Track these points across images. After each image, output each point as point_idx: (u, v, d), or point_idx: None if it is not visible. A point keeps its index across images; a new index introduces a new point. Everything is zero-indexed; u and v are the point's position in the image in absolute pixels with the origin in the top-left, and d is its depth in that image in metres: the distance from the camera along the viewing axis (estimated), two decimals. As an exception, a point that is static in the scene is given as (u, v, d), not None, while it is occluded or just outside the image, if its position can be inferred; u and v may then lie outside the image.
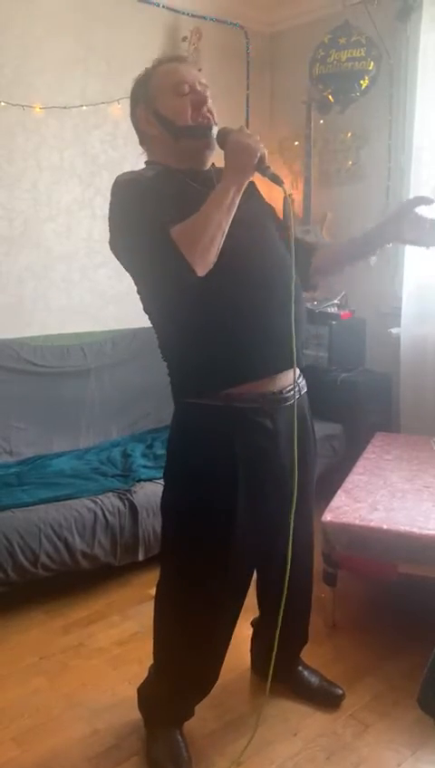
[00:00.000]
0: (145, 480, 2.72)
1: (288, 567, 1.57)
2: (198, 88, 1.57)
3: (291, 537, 1.55)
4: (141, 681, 1.83)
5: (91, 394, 3.27)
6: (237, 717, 1.90)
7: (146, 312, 1.66)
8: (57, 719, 1.90)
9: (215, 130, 1.55)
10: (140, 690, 1.83)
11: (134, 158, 3.43)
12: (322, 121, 3.70)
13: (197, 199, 1.47)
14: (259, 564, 1.80)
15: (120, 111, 3.37)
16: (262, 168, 1.47)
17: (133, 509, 2.56)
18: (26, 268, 3.20)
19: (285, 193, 1.50)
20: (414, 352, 3.39)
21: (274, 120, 4.01)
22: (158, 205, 1.46)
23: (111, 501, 2.55)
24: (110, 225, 1.55)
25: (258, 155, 1.44)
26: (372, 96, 3.40)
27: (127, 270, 1.58)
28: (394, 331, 3.46)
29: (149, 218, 1.44)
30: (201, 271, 1.41)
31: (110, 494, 2.59)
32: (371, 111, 3.52)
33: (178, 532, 1.66)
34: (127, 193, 1.51)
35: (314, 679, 1.98)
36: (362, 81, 3.28)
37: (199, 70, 1.66)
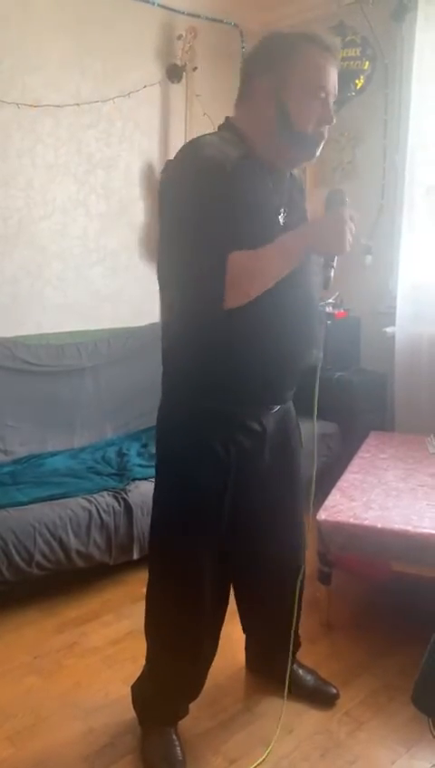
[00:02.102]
0: (140, 479, 2.71)
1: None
2: (331, 101, 1.45)
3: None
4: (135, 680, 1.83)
5: (87, 393, 3.27)
6: (232, 716, 1.90)
7: (162, 314, 1.62)
8: (51, 718, 1.90)
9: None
10: (133, 689, 1.82)
11: (129, 157, 3.46)
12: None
13: (269, 204, 1.45)
14: (244, 564, 1.79)
15: (116, 110, 3.37)
16: (330, 263, 1.44)
17: (128, 508, 2.56)
18: (21, 267, 3.20)
19: (325, 303, 1.50)
20: (409, 352, 3.40)
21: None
22: (232, 212, 1.35)
23: (105, 500, 2.55)
24: (163, 199, 1.45)
25: (345, 251, 1.40)
26: (367, 95, 3.40)
27: (161, 250, 1.48)
28: (389, 330, 3.47)
29: (220, 230, 1.33)
30: (230, 305, 1.36)
31: (105, 492, 2.59)
32: (366, 111, 3.53)
33: (166, 530, 1.66)
34: (206, 179, 1.34)
35: (308, 678, 1.98)
36: (357, 81, 3.29)
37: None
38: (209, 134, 1.46)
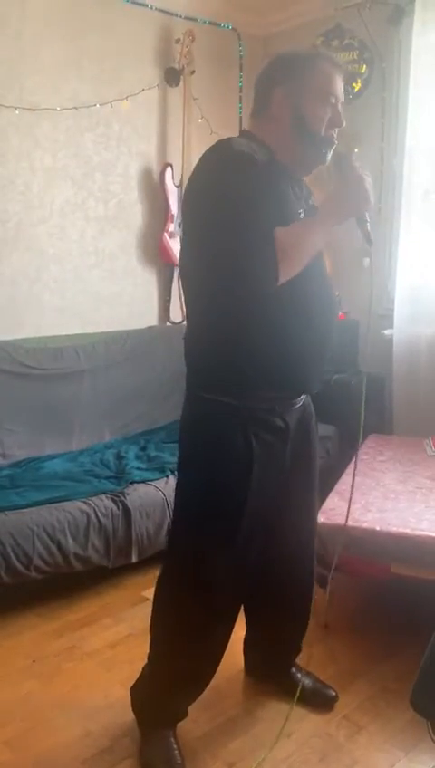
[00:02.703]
0: (138, 482, 2.71)
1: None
2: (340, 108, 1.58)
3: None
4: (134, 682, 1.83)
5: (85, 396, 3.27)
6: (230, 719, 1.90)
7: (187, 300, 1.65)
8: (50, 722, 1.90)
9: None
10: (133, 690, 1.82)
11: (127, 160, 3.47)
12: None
13: (292, 202, 1.51)
14: (260, 564, 1.78)
15: (113, 113, 3.38)
16: (361, 221, 1.52)
17: (126, 511, 2.56)
18: (19, 270, 3.20)
19: (370, 256, 1.55)
20: (407, 354, 3.41)
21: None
22: (268, 197, 1.43)
23: (104, 503, 2.55)
24: (195, 191, 1.50)
25: (368, 209, 1.48)
26: (365, 99, 3.42)
27: (190, 245, 1.54)
28: (387, 332, 3.47)
29: (258, 207, 1.40)
30: (283, 279, 1.41)
31: (103, 496, 2.58)
32: (363, 114, 3.53)
33: (190, 528, 1.66)
34: (240, 167, 1.42)
35: (307, 681, 1.98)
36: (354, 84, 3.30)
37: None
38: (236, 137, 1.58)
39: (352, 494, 1.89)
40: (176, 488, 1.72)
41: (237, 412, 1.56)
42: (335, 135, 1.59)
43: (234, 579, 1.66)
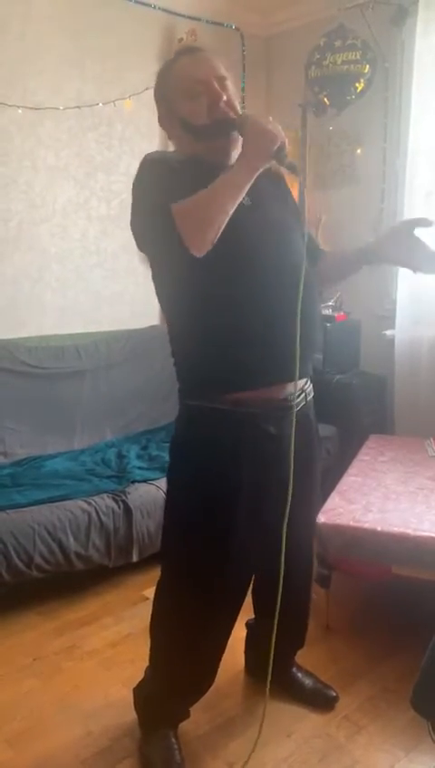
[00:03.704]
0: (139, 481, 2.71)
1: (281, 569, 1.56)
2: (214, 84, 1.51)
3: (284, 541, 1.54)
4: (135, 682, 1.83)
5: (86, 395, 3.27)
6: (231, 719, 1.90)
7: (160, 303, 1.64)
8: (50, 721, 1.90)
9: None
10: (135, 691, 1.82)
11: (130, 159, 3.46)
12: (317, 124, 3.71)
13: None
14: (259, 567, 1.79)
15: (116, 112, 3.38)
16: (280, 155, 1.42)
17: (128, 510, 2.56)
18: (21, 269, 3.20)
19: (301, 184, 1.49)
20: (409, 354, 3.40)
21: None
22: (175, 183, 1.43)
23: (105, 502, 2.55)
24: (132, 202, 1.55)
25: (278, 142, 1.40)
26: (368, 99, 3.41)
27: (140, 250, 1.56)
28: (389, 333, 3.47)
29: (161, 195, 1.42)
30: (196, 249, 1.39)
31: (104, 495, 2.59)
32: (366, 115, 3.53)
33: (180, 533, 1.66)
34: (149, 172, 1.49)
35: (307, 681, 1.98)
36: (357, 85, 3.29)
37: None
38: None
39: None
40: (166, 494, 1.71)
41: (227, 419, 1.55)
42: (231, 108, 1.52)
43: (229, 584, 1.66)
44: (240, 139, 1.49)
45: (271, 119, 1.44)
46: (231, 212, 1.40)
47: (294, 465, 1.63)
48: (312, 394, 1.74)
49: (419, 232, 1.55)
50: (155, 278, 1.60)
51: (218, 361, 1.53)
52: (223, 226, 1.40)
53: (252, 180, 1.42)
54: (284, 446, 1.60)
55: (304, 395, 1.67)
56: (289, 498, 1.54)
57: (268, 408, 1.57)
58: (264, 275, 1.51)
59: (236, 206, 1.41)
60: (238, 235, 1.45)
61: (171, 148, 1.68)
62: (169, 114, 1.57)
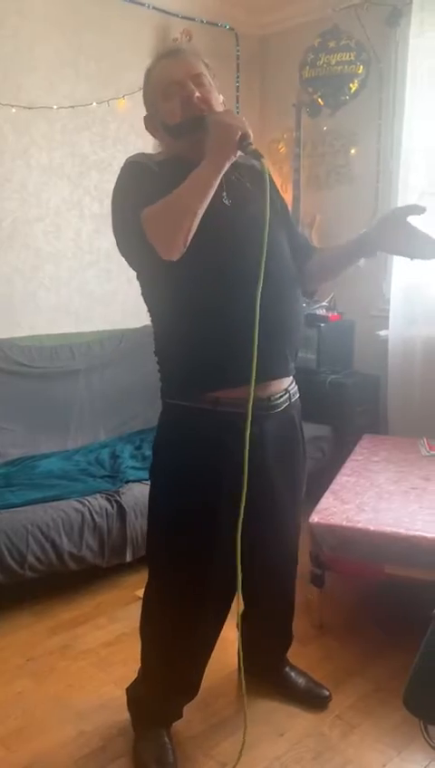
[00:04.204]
0: (133, 481, 2.71)
1: (239, 571, 1.54)
2: (187, 82, 1.53)
3: (238, 542, 1.53)
4: (128, 682, 1.84)
5: (80, 395, 3.27)
6: (224, 719, 1.90)
7: (145, 304, 1.65)
8: (43, 721, 1.90)
9: None
10: (128, 691, 1.83)
11: (124, 159, 3.44)
12: (312, 124, 3.71)
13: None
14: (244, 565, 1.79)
15: (110, 112, 3.37)
16: (243, 145, 1.41)
17: (121, 510, 2.56)
18: (15, 268, 3.19)
19: (263, 168, 1.45)
20: (402, 354, 3.41)
21: (263, 123, 4.02)
22: (151, 188, 1.44)
23: (98, 502, 2.55)
24: (111, 205, 1.56)
25: (239, 133, 1.40)
26: (362, 99, 3.42)
27: (120, 254, 1.56)
28: (382, 333, 3.48)
29: (135, 199, 1.44)
30: (166, 254, 1.40)
31: (98, 495, 2.58)
32: (360, 115, 3.54)
33: (163, 533, 1.66)
34: (125, 174, 1.53)
35: (300, 680, 1.99)
36: (351, 85, 3.30)
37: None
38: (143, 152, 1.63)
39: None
40: (149, 494, 1.71)
41: (208, 419, 1.55)
42: (206, 105, 1.52)
43: (214, 583, 1.65)
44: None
45: (236, 112, 1.45)
46: (200, 213, 1.40)
47: (276, 465, 1.64)
48: (297, 395, 1.72)
49: (412, 219, 1.54)
50: (138, 279, 1.61)
51: (198, 360, 1.54)
52: (194, 228, 1.40)
53: (219, 176, 1.41)
54: (265, 448, 1.61)
55: (287, 395, 1.65)
56: (242, 498, 1.52)
57: (247, 408, 1.55)
58: (241, 275, 1.50)
59: (207, 204, 1.41)
60: (217, 234, 1.46)
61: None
62: (152, 117, 1.61)
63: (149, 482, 1.73)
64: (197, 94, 1.53)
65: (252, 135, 1.43)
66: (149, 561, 1.75)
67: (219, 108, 1.55)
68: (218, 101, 1.57)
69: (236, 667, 2.07)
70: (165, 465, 1.65)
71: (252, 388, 1.46)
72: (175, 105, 1.53)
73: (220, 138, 1.41)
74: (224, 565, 1.63)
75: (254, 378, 1.46)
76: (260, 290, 1.43)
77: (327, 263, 1.77)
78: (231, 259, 1.51)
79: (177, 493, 1.61)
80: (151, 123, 1.63)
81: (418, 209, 1.53)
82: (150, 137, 1.68)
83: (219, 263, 1.49)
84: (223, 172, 1.42)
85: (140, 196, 1.44)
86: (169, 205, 1.40)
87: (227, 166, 1.42)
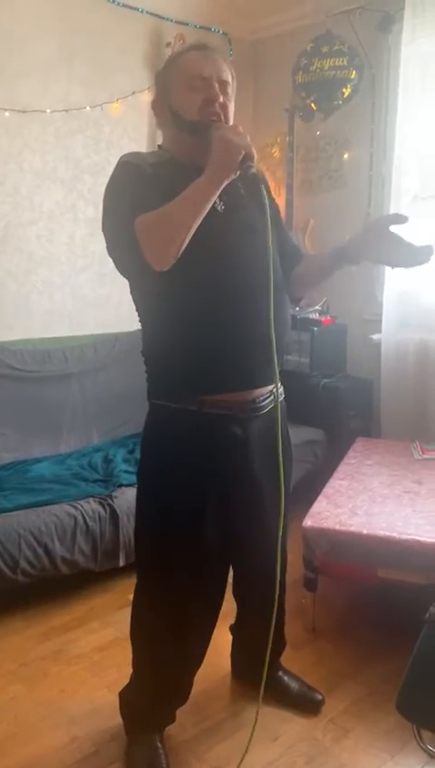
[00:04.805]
0: (126, 485, 2.71)
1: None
2: (214, 83, 1.52)
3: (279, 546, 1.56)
4: (121, 687, 1.83)
5: (73, 399, 3.26)
6: (217, 723, 1.89)
7: (135, 305, 1.64)
8: (36, 726, 1.89)
9: None
10: (121, 695, 1.82)
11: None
12: (305, 129, 3.72)
13: None
14: (232, 569, 1.79)
15: (104, 116, 3.38)
16: (244, 166, 1.41)
17: (114, 514, 2.55)
18: (8, 272, 3.18)
19: (263, 195, 1.46)
20: (395, 358, 3.42)
21: (256, 127, 4.03)
22: (145, 192, 1.44)
23: (91, 506, 2.54)
24: (102, 205, 1.55)
25: (242, 153, 1.39)
26: (355, 105, 3.43)
27: (109, 256, 1.56)
28: (375, 337, 3.49)
29: (128, 204, 1.43)
30: (157, 264, 1.40)
31: (90, 499, 2.58)
32: (353, 120, 3.55)
33: (149, 534, 1.66)
34: (119, 174, 1.50)
35: (293, 684, 1.98)
36: (344, 90, 3.31)
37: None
38: (135, 151, 1.62)
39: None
40: (136, 496, 1.71)
41: (193, 420, 1.55)
42: (217, 110, 1.52)
43: (203, 586, 1.66)
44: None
45: (240, 129, 1.44)
46: (195, 227, 1.40)
47: (262, 467, 1.63)
48: (282, 396, 1.72)
49: (395, 228, 1.55)
50: (128, 281, 1.61)
51: (187, 365, 1.54)
52: (187, 241, 1.40)
53: (217, 192, 1.41)
54: (250, 449, 1.61)
55: (272, 397, 1.65)
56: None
57: (235, 410, 1.57)
58: (233, 280, 1.51)
59: (202, 218, 1.40)
60: (210, 240, 1.45)
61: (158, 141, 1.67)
62: (163, 101, 1.59)
63: (136, 481, 1.72)
64: (221, 99, 1.53)
65: (256, 155, 1.42)
66: (137, 563, 1.75)
67: (231, 121, 1.56)
68: (232, 114, 1.58)
69: (230, 671, 2.08)
70: (150, 466, 1.65)
71: (277, 387, 1.52)
72: (195, 100, 1.52)
73: (222, 154, 1.40)
74: (211, 566, 1.63)
75: (277, 373, 1.52)
76: (272, 306, 1.45)
77: (312, 270, 1.77)
78: (223, 266, 1.51)
79: (162, 493, 1.61)
80: (160, 106, 1.60)
81: (401, 219, 1.54)
82: (144, 140, 1.69)
83: (210, 269, 1.49)
84: (221, 189, 1.41)
85: (134, 200, 1.43)
86: (163, 216, 1.39)
87: (226, 183, 1.42)
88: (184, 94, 1.53)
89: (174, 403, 1.57)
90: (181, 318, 1.51)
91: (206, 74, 1.53)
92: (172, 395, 1.58)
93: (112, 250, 1.52)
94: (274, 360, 1.50)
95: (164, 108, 1.58)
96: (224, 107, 1.53)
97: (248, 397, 1.58)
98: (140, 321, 1.64)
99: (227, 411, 1.56)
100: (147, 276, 1.45)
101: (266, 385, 1.60)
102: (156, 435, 1.64)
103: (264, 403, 1.62)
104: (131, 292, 1.62)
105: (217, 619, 1.74)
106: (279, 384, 1.69)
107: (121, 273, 1.56)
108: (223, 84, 1.55)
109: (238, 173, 1.42)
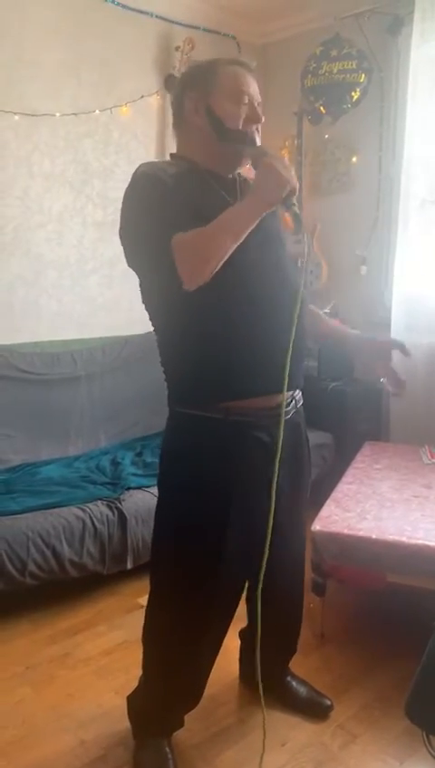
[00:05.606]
0: (134, 488, 2.71)
1: (261, 578, 1.55)
2: (256, 106, 1.57)
3: (267, 549, 1.54)
4: (129, 691, 1.82)
5: (81, 401, 3.26)
6: (226, 728, 1.89)
7: (147, 312, 1.64)
8: (43, 730, 1.88)
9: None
10: (129, 699, 1.81)
11: (126, 166, 3.47)
12: (313, 132, 3.72)
13: (217, 204, 1.47)
14: (250, 576, 1.79)
15: (113, 120, 3.39)
16: (288, 202, 1.43)
17: (122, 517, 2.55)
18: (17, 275, 3.20)
19: (303, 237, 1.52)
20: (403, 362, 3.40)
21: (265, 131, 3.96)
22: (173, 207, 1.43)
23: (99, 509, 2.54)
24: (122, 215, 1.53)
25: (288, 188, 1.41)
26: (363, 108, 3.43)
27: (129, 265, 1.56)
28: (384, 340, 3.47)
29: (156, 220, 1.42)
30: (189, 285, 1.40)
31: (98, 502, 2.58)
32: (361, 123, 3.55)
33: (170, 543, 1.65)
34: (145, 189, 1.48)
35: (302, 689, 1.97)
36: (353, 93, 3.31)
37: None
38: (151, 161, 1.62)
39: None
40: (157, 503, 1.70)
41: (219, 428, 1.55)
42: (256, 131, 1.58)
43: (220, 592, 1.65)
44: (248, 167, 1.54)
45: (287, 162, 1.46)
46: (231, 250, 1.40)
47: (284, 472, 1.63)
48: (301, 401, 1.74)
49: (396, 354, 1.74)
50: (143, 289, 1.60)
51: (211, 372, 1.53)
52: (221, 264, 1.40)
53: (257, 221, 1.42)
54: (274, 453, 1.60)
55: (293, 402, 1.67)
56: (272, 504, 1.54)
57: (260, 416, 1.57)
58: (261, 289, 1.52)
59: (240, 242, 1.41)
60: (238, 251, 1.44)
61: (172, 149, 1.67)
62: (199, 105, 1.56)
63: (154, 490, 1.72)
64: (262, 120, 1.57)
65: (298, 191, 1.45)
66: (153, 571, 1.73)
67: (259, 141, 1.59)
68: None
69: (238, 675, 2.07)
70: (173, 475, 1.64)
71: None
72: (240, 112, 1.54)
73: (271, 186, 1.41)
74: (230, 572, 1.63)
75: (287, 380, 1.53)
76: (296, 315, 1.50)
77: (316, 325, 1.84)
78: (247, 277, 1.51)
79: (186, 502, 1.60)
80: (194, 106, 1.57)
81: (406, 351, 1.77)
82: (152, 144, 1.70)
83: (235, 281, 1.48)
84: (261, 217, 1.43)
85: (164, 216, 1.42)
86: (203, 238, 1.39)
87: (266, 213, 1.44)
88: (228, 104, 1.54)
89: (199, 411, 1.56)
90: (206, 326, 1.50)
91: (251, 92, 1.56)
92: (196, 402, 1.57)
93: (140, 265, 1.53)
94: (300, 362, 1.57)
95: (199, 105, 1.56)
96: (259, 131, 1.58)
97: (272, 402, 1.57)
98: (155, 329, 1.63)
99: (252, 418, 1.56)
100: (176, 287, 1.43)
101: (289, 390, 1.60)
102: (179, 443, 1.63)
103: (287, 409, 1.62)
104: (146, 301, 1.61)
105: (229, 625, 1.74)
106: (298, 391, 1.71)
107: (144, 282, 1.57)
108: (259, 106, 1.59)
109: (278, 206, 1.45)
